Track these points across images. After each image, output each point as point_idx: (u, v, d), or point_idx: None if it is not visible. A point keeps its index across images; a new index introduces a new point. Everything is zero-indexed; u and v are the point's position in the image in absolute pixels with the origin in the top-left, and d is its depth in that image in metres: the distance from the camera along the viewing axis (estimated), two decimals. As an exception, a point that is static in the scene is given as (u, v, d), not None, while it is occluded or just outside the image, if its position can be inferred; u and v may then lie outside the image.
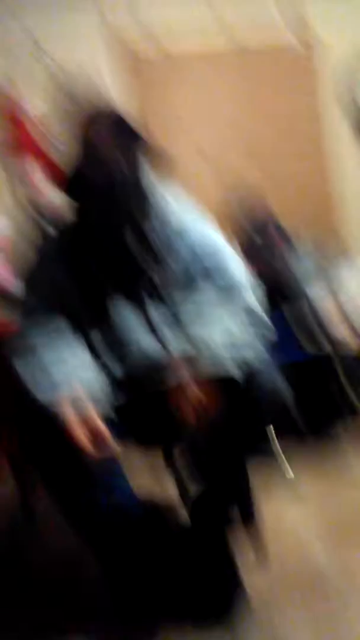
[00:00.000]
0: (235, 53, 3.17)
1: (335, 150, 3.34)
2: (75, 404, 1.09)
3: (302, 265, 2.71)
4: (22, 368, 1.14)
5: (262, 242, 2.13)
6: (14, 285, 3.00)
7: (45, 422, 1.10)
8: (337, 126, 3.32)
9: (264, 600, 1.33)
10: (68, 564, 1.64)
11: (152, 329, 1.28)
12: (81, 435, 1.06)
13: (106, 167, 1.25)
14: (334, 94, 3.27)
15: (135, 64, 3.09)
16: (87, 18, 2.97)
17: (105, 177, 1.25)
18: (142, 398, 1.27)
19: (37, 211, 1.36)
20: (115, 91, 2.98)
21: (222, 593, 1.24)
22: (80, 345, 1.22)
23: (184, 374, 1.18)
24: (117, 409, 1.15)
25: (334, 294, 2.91)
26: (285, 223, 2.48)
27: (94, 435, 1.09)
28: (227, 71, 3.22)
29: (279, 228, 2.16)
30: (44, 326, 1.20)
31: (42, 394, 1.10)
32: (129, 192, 1.26)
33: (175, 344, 1.28)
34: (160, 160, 1.33)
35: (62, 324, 1.22)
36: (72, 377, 1.12)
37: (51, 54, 2.85)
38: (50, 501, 1.19)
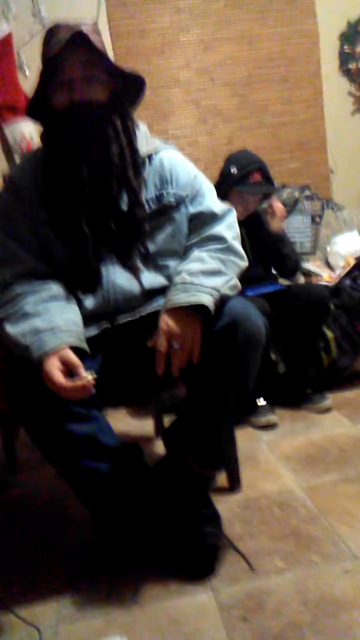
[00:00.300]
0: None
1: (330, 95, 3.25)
2: (61, 359, 1.10)
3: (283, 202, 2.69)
4: (14, 331, 1.15)
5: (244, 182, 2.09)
6: None
7: (26, 369, 1.12)
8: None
9: (235, 522, 1.40)
10: (52, 499, 1.68)
11: (129, 267, 1.26)
12: (63, 391, 1.08)
13: (67, 86, 1.18)
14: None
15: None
16: None
17: (65, 97, 1.19)
18: (124, 354, 1.27)
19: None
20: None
21: (198, 532, 1.26)
22: (72, 304, 1.22)
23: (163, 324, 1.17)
24: (100, 375, 1.15)
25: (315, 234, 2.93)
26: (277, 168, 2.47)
27: (69, 368, 1.10)
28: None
29: (263, 172, 2.11)
30: (38, 293, 1.19)
31: (32, 355, 1.11)
32: (90, 114, 1.19)
33: (151, 279, 1.27)
34: (131, 82, 1.25)
35: (55, 289, 1.21)
36: (58, 334, 1.12)
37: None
38: (30, 438, 1.18)
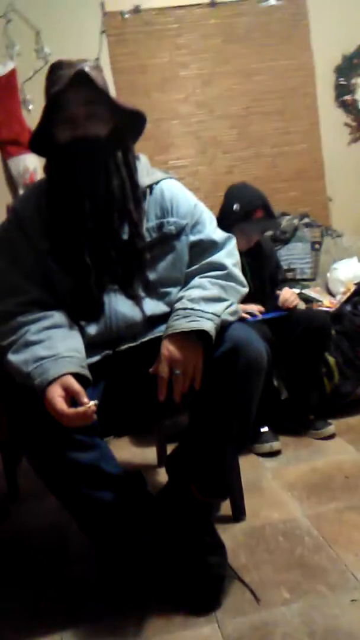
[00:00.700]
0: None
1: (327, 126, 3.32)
2: (63, 386, 1.10)
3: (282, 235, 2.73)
4: (17, 359, 1.15)
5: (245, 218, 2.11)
6: None
7: (28, 397, 1.12)
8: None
9: (240, 552, 1.38)
10: (52, 529, 1.65)
11: (131, 296, 1.27)
12: (65, 418, 1.07)
13: (70, 122, 1.21)
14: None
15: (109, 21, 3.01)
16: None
17: (68, 133, 1.22)
18: (126, 382, 1.28)
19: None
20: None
21: (202, 562, 1.24)
22: (74, 332, 1.23)
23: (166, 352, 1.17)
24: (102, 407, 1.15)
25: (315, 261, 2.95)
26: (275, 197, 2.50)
27: (71, 396, 1.10)
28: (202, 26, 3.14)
29: (265, 207, 2.13)
30: (40, 322, 1.20)
31: (34, 383, 1.11)
32: (92, 148, 1.22)
33: (152, 306, 1.29)
34: (131, 117, 1.28)
35: (57, 317, 1.22)
36: (60, 361, 1.13)
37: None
38: (32, 467, 1.18)
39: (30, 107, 2.99)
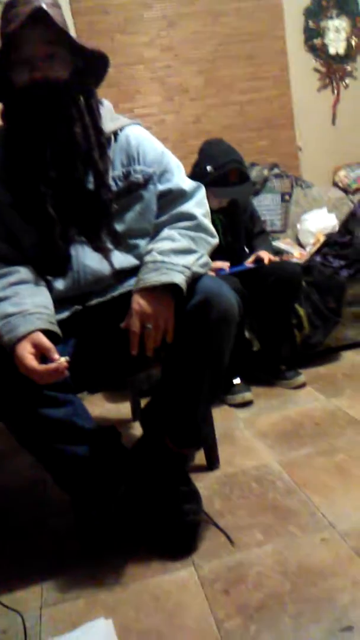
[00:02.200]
0: None
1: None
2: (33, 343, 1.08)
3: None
4: None
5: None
6: None
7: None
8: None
9: (215, 499, 1.42)
10: (31, 485, 1.67)
11: (98, 248, 1.24)
12: (36, 375, 1.06)
13: (27, 64, 1.14)
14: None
15: None
16: None
17: (26, 75, 1.15)
18: (97, 337, 1.26)
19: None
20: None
21: (178, 510, 1.27)
22: (41, 287, 1.20)
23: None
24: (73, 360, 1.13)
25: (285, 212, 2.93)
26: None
27: (42, 352, 1.08)
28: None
29: (241, 170, 2.08)
30: (6, 277, 1.17)
31: (2, 340, 1.09)
32: (53, 92, 1.15)
33: (121, 259, 1.26)
34: (93, 60, 1.21)
35: (24, 272, 1.19)
36: (29, 318, 1.10)
37: None
38: (5, 425, 1.17)
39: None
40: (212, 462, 1.58)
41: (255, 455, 1.64)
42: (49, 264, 1.23)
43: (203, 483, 1.48)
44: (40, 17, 1.10)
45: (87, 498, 1.26)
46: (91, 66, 1.22)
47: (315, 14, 3.17)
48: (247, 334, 2.16)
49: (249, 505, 1.39)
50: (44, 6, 1.10)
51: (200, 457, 1.60)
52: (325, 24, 3.20)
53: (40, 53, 1.14)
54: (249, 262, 2.14)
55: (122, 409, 2.10)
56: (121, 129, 1.27)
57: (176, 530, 1.26)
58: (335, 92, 3.29)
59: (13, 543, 1.40)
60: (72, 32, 1.51)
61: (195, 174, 2.06)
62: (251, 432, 1.80)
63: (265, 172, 2.97)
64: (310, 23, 3.18)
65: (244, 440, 1.75)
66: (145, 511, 1.29)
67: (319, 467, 1.51)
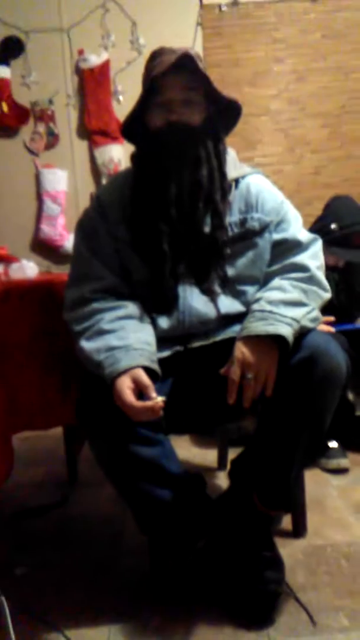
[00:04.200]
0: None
1: None
2: (133, 378, 1.08)
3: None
4: (89, 347, 1.15)
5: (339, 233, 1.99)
6: (67, 239, 3.12)
7: (97, 386, 1.11)
8: None
9: (299, 571, 1.31)
10: (109, 519, 1.66)
11: (206, 291, 1.23)
12: (132, 411, 1.05)
13: (165, 107, 1.19)
14: None
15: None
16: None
17: (162, 117, 1.19)
18: (195, 380, 1.24)
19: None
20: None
21: (259, 576, 1.19)
22: (146, 324, 1.21)
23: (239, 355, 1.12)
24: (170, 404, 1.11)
25: None
26: None
27: (140, 389, 1.08)
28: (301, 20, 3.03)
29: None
30: (115, 311, 1.19)
31: (104, 372, 1.10)
32: (185, 135, 1.19)
33: (228, 304, 1.24)
34: (226, 108, 1.25)
35: (132, 307, 1.21)
36: (132, 353, 1.11)
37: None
38: (94, 456, 1.17)
39: (121, 97, 3.02)
40: (299, 530, 1.47)
41: (347, 529, 1.51)
42: (156, 302, 1.24)
43: (287, 551, 1.38)
44: (186, 63, 1.16)
45: (165, 545, 1.22)
46: (223, 114, 1.25)
47: None
48: (350, 397, 2.03)
49: (336, 584, 1.27)
50: (189, 55, 1.16)
51: (286, 523, 1.50)
52: None
53: (179, 97, 1.19)
54: None
55: (208, 456, 2.05)
56: (243, 177, 1.28)
57: (255, 597, 1.17)
58: None
59: (85, 578, 1.38)
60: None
61: (318, 229, 2.01)
62: (345, 502, 1.67)
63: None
64: None
65: (335, 510, 1.62)
66: (224, 571, 1.22)
67: None
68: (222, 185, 1.23)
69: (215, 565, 1.23)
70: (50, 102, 3.05)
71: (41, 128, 3.06)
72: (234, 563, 1.21)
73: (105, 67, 3.01)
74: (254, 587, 1.17)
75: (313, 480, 1.80)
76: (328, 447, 1.91)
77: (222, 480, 1.83)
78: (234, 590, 1.20)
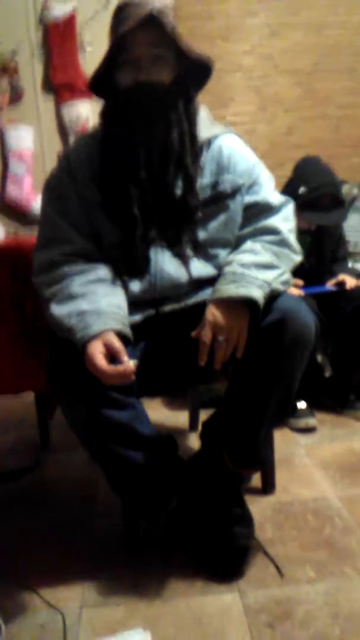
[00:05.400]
0: None
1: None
2: (104, 343, 1.07)
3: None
4: (59, 311, 1.13)
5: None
6: (35, 201, 3.03)
7: (67, 350, 1.10)
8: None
9: (267, 526, 1.36)
10: (82, 482, 1.68)
11: (178, 254, 1.22)
12: (104, 375, 1.05)
13: (133, 65, 1.14)
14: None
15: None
16: None
17: (131, 76, 1.15)
18: (167, 343, 1.24)
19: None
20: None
21: (228, 532, 1.23)
22: (118, 288, 1.20)
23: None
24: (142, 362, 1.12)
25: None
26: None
27: (111, 353, 1.07)
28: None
29: (335, 195, 1.99)
30: (85, 274, 1.17)
31: (75, 336, 1.09)
32: (155, 95, 1.15)
33: (200, 268, 1.24)
34: (197, 66, 1.20)
35: (102, 271, 1.19)
36: (103, 318, 1.10)
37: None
38: (66, 420, 1.17)
39: (88, 49, 2.89)
40: (268, 487, 1.52)
41: (313, 486, 1.56)
42: (127, 265, 1.22)
43: (256, 507, 1.43)
44: (152, 21, 1.10)
45: (138, 506, 1.25)
46: (194, 72, 1.21)
47: None
48: (319, 358, 2.07)
49: (303, 538, 1.33)
50: (157, 11, 1.10)
51: (255, 480, 1.55)
52: None
53: (147, 55, 1.14)
54: (330, 284, 2.06)
55: (180, 418, 2.08)
56: (215, 137, 1.25)
57: (225, 552, 1.21)
58: None
59: (59, 539, 1.40)
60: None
61: (287, 192, 2.00)
62: (312, 460, 1.72)
63: (355, 190, 2.86)
64: None
65: (303, 468, 1.68)
66: (196, 528, 1.26)
67: (383, 508, 1.42)
68: (193, 148, 1.20)
69: (187, 523, 1.26)
70: (14, 53, 2.90)
71: (4, 82, 2.91)
72: (206, 520, 1.24)
73: (70, 20, 2.86)
74: (225, 542, 1.22)
75: (282, 439, 1.86)
76: (297, 407, 1.96)
77: (194, 441, 1.87)
78: (206, 546, 1.24)
